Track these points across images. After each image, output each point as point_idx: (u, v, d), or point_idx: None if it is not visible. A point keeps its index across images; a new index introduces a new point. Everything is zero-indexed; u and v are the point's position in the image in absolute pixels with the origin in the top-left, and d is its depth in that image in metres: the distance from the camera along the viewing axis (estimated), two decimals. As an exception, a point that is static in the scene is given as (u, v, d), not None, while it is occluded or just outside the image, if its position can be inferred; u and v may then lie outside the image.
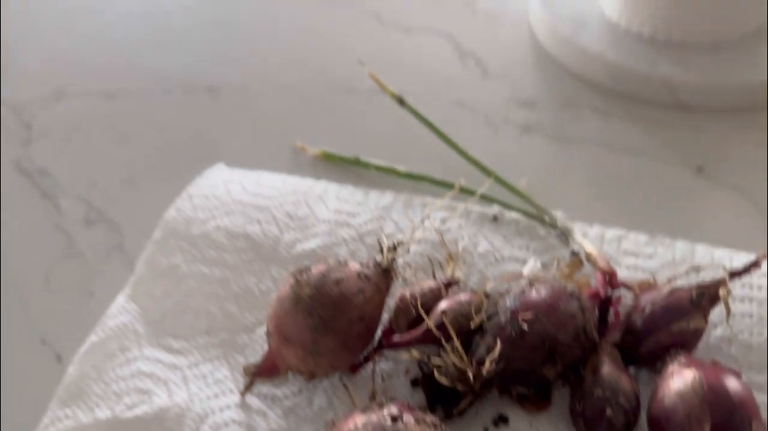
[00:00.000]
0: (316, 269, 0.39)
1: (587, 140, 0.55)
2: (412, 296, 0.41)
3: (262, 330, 0.43)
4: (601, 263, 0.42)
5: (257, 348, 0.43)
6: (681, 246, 0.46)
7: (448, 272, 0.44)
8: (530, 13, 0.63)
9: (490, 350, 0.37)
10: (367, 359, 0.41)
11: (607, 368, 0.38)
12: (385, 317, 0.41)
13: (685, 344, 0.39)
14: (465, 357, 0.37)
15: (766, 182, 0.51)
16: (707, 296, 0.39)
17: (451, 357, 0.37)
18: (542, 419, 0.39)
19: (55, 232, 0.51)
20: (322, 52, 0.62)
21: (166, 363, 0.42)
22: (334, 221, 0.47)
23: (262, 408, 0.40)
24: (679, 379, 0.36)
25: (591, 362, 0.38)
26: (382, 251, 0.41)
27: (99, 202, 0.52)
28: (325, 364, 0.39)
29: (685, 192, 0.51)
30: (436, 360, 0.38)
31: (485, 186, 0.46)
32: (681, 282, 0.42)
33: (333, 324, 0.38)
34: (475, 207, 0.47)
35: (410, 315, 0.41)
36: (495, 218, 0.47)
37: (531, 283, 0.40)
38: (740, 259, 0.44)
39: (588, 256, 0.43)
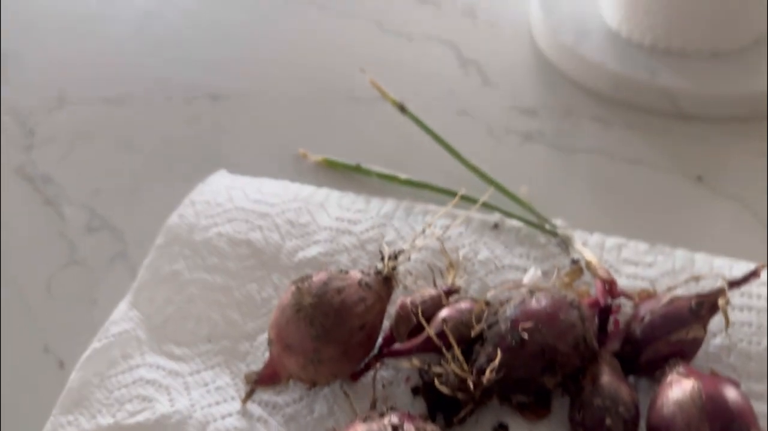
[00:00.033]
0: (318, 278, 0.40)
1: (588, 149, 0.55)
2: (413, 304, 0.41)
3: (263, 338, 0.43)
4: (601, 272, 0.42)
5: (259, 355, 0.43)
6: (681, 255, 0.46)
7: (449, 280, 0.44)
8: (531, 22, 0.63)
9: (490, 359, 0.38)
10: (367, 367, 0.41)
11: (607, 377, 0.38)
12: (386, 324, 0.42)
13: (684, 353, 0.39)
14: (465, 366, 0.38)
15: (766, 191, 0.51)
16: (706, 305, 0.40)
17: (451, 366, 0.38)
18: (542, 427, 0.39)
19: (57, 239, 0.51)
20: (324, 59, 0.63)
21: (168, 370, 0.42)
22: (335, 229, 0.47)
23: (264, 415, 0.40)
24: (678, 389, 0.36)
25: (590, 371, 0.38)
26: (383, 259, 0.41)
27: (102, 209, 0.53)
28: (326, 372, 0.39)
29: (685, 201, 0.52)
30: (436, 369, 0.38)
31: (486, 195, 0.46)
32: (681, 291, 0.42)
33: (334, 332, 0.38)
34: (476, 215, 0.48)
35: (411, 323, 0.41)
36: (496, 226, 0.48)
37: (531, 292, 0.40)
38: (740, 268, 0.44)
39: (588, 264, 0.44)
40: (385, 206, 0.49)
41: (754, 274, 0.40)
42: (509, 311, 0.39)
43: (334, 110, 0.59)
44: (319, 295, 0.39)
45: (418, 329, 0.40)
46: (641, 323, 0.40)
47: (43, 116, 0.59)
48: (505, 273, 0.45)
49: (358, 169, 0.53)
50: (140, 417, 0.40)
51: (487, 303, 0.41)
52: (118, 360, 0.43)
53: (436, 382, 0.38)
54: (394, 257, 0.41)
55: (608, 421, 0.37)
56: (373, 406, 0.39)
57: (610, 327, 0.41)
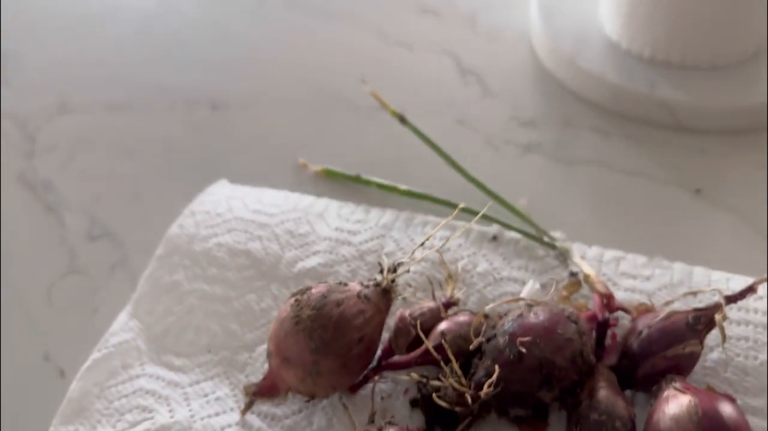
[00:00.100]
0: (317, 291, 0.40)
1: (586, 160, 0.55)
2: (412, 317, 0.41)
3: (262, 349, 0.44)
4: (599, 286, 0.43)
5: (258, 366, 0.43)
6: (679, 268, 0.46)
7: (448, 292, 0.44)
8: (531, 32, 0.64)
9: (488, 372, 0.38)
10: (366, 379, 0.41)
11: (604, 392, 0.38)
12: (385, 336, 0.42)
13: (681, 368, 0.40)
14: (464, 380, 0.38)
15: (765, 204, 0.52)
16: (703, 320, 0.40)
17: (449, 380, 0.38)
18: (539, 440, 0.40)
19: (58, 246, 0.51)
20: (324, 68, 0.63)
21: (167, 381, 0.43)
22: (335, 239, 0.47)
23: (263, 426, 0.40)
24: (675, 404, 0.36)
25: (588, 385, 0.39)
26: (382, 271, 0.41)
27: (103, 216, 0.53)
28: (325, 385, 0.39)
29: (684, 213, 0.52)
30: (434, 382, 0.38)
31: (486, 208, 0.46)
32: (678, 305, 0.43)
33: (333, 345, 0.38)
34: (475, 226, 0.48)
35: (409, 336, 0.41)
36: (494, 238, 0.48)
37: (530, 306, 0.40)
38: (737, 282, 0.45)
39: (586, 278, 0.44)
40: (385, 216, 0.49)
41: (750, 289, 0.40)
42: (507, 325, 0.39)
43: (334, 119, 0.59)
44: (318, 308, 0.39)
45: (417, 341, 0.41)
46: (638, 337, 0.40)
47: (43, 121, 0.59)
48: (503, 285, 0.45)
49: (357, 179, 0.53)
50: (140, 428, 0.40)
51: (486, 316, 0.41)
52: (118, 371, 0.43)
53: (434, 396, 0.38)
54: (393, 269, 0.41)
55: (605, 436, 0.37)
56: (372, 419, 0.39)
57: (608, 341, 0.42)
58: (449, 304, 0.43)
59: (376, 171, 0.53)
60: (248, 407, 0.40)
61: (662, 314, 0.41)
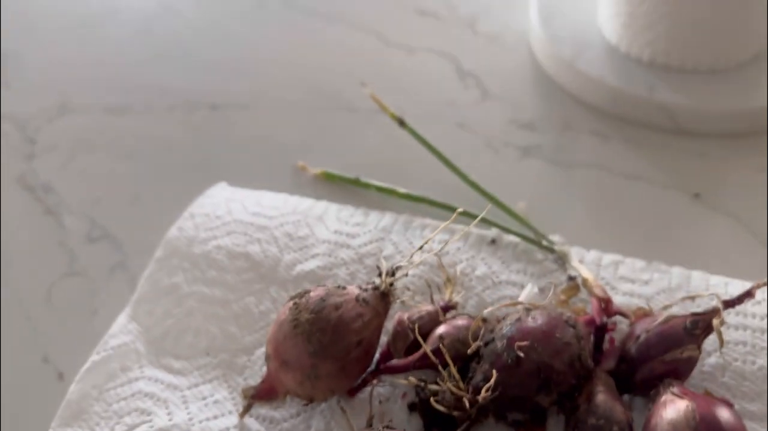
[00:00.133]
0: (315, 294, 0.40)
1: (586, 163, 0.55)
2: (410, 320, 0.41)
3: (261, 351, 0.44)
4: (597, 290, 0.43)
5: (256, 369, 0.43)
6: (677, 273, 0.46)
7: (447, 295, 0.44)
8: (531, 35, 0.64)
9: (486, 377, 0.38)
10: (364, 383, 0.41)
11: (602, 396, 0.38)
12: (384, 340, 0.42)
13: (679, 372, 0.40)
14: (461, 384, 0.38)
15: (765, 208, 0.52)
16: (701, 325, 0.40)
17: (447, 384, 0.38)
18: (537, 445, 0.40)
19: (58, 248, 0.51)
20: (323, 70, 0.63)
21: (166, 383, 0.43)
22: (334, 242, 0.48)
23: (261, 430, 0.40)
24: (672, 409, 0.37)
25: (586, 390, 0.39)
26: (380, 275, 0.41)
27: (102, 218, 0.53)
28: (324, 388, 0.39)
29: (683, 218, 0.52)
30: (432, 386, 0.38)
31: (485, 212, 0.46)
32: (677, 309, 0.43)
33: (331, 349, 0.38)
34: (474, 230, 0.48)
35: (408, 340, 0.41)
36: (493, 241, 0.48)
37: (528, 310, 0.40)
38: (736, 286, 0.45)
39: (584, 282, 0.44)
40: (384, 219, 0.49)
41: (748, 294, 0.41)
42: (505, 329, 0.39)
43: (333, 122, 0.59)
44: (316, 311, 0.39)
45: (416, 345, 0.41)
46: (636, 341, 0.40)
47: (43, 123, 0.59)
48: (502, 289, 0.45)
49: (357, 182, 0.53)
50: (138, 431, 0.41)
51: (484, 320, 0.41)
52: (117, 373, 0.43)
53: (432, 400, 0.38)
54: (392, 273, 0.41)
55: (603, 440, 0.37)
56: (370, 423, 0.39)
57: (606, 345, 0.42)
58: (448, 308, 0.43)
59: (375, 174, 0.53)
60: (246, 410, 0.41)
61: (660, 319, 0.41)
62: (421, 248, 0.41)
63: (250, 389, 0.41)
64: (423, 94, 0.61)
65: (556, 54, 0.60)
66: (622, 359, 0.41)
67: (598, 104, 0.58)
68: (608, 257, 0.47)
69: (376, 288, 0.41)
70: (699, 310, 0.41)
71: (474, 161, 0.54)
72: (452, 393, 0.38)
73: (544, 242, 0.47)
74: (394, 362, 0.41)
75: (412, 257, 0.41)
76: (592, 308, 0.42)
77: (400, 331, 0.41)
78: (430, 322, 0.42)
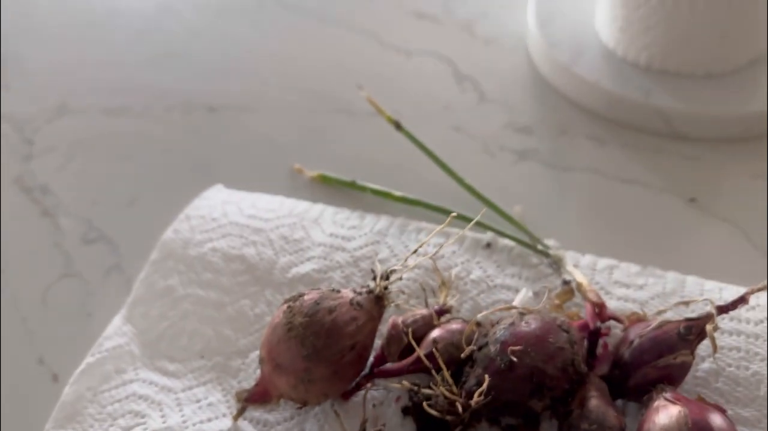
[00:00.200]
0: (309, 297, 0.40)
1: (582, 168, 0.55)
2: (404, 324, 0.42)
3: (255, 354, 0.44)
4: (591, 295, 0.43)
5: (250, 372, 0.43)
6: (672, 278, 0.46)
7: (441, 299, 0.44)
8: (528, 39, 0.64)
9: (479, 381, 0.38)
10: (358, 386, 0.41)
11: (595, 401, 0.38)
12: (378, 343, 0.42)
13: (672, 378, 0.40)
14: (455, 388, 0.38)
15: (760, 213, 0.52)
16: (695, 330, 0.40)
17: (440, 388, 0.38)
18: (530, 449, 0.40)
19: (54, 250, 0.51)
20: (321, 73, 0.63)
21: (160, 386, 0.43)
22: (329, 245, 0.48)
23: (254, 433, 0.41)
24: (665, 415, 0.37)
25: (579, 395, 0.39)
26: (375, 278, 0.41)
27: (98, 221, 0.53)
28: (317, 392, 0.39)
29: (678, 222, 0.52)
30: (426, 391, 0.38)
31: (480, 215, 0.46)
32: (671, 314, 0.43)
33: (325, 352, 0.38)
34: (469, 233, 0.48)
35: (402, 343, 0.41)
36: (488, 245, 0.48)
37: (521, 314, 0.41)
38: (730, 292, 0.45)
39: (579, 286, 0.44)
40: (379, 222, 0.49)
41: (742, 299, 0.41)
42: (499, 333, 0.39)
43: (330, 125, 0.59)
44: (310, 314, 0.39)
45: (410, 349, 0.41)
46: (630, 346, 0.40)
47: (42, 124, 0.60)
48: (497, 293, 0.45)
49: (353, 185, 0.53)
50: (132, 433, 0.41)
51: (478, 324, 0.41)
52: (112, 375, 0.43)
53: (425, 404, 0.38)
54: (386, 276, 0.41)
55: (595, 445, 0.37)
56: (363, 426, 0.39)
57: (599, 350, 0.42)
58: (442, 311, 0.43)
59: (371, 177, 0.53)
60: (240, 413, 0.41)
61: (654, 324, 0.41)
62: (416, 251, 0.41)
63: (244, 392, 0.41)
64: (420, 98, 0.61)
65: (552, 58, 0.60)
66: (615, 364, 0.41)
67: (595, 108, 0.58)
68: (603, 262, 0.47)
69: (370, 292, 0.41)
70: (693, 315, 0.41)
71: (470, 164, 0.54)
72: (445, 397, 0.38)
73: (539, 246, 0.47)
74: (388, 366, 0.41)
75: (407, 260, 0.41)
76: (586, 313, 0.42)
77: (395, 335, 0.42)
78: (425, 326, 0.42)
